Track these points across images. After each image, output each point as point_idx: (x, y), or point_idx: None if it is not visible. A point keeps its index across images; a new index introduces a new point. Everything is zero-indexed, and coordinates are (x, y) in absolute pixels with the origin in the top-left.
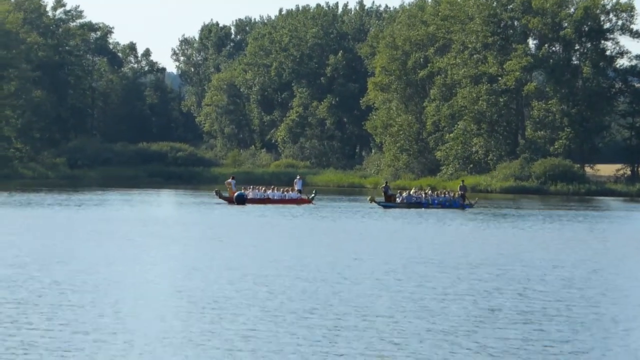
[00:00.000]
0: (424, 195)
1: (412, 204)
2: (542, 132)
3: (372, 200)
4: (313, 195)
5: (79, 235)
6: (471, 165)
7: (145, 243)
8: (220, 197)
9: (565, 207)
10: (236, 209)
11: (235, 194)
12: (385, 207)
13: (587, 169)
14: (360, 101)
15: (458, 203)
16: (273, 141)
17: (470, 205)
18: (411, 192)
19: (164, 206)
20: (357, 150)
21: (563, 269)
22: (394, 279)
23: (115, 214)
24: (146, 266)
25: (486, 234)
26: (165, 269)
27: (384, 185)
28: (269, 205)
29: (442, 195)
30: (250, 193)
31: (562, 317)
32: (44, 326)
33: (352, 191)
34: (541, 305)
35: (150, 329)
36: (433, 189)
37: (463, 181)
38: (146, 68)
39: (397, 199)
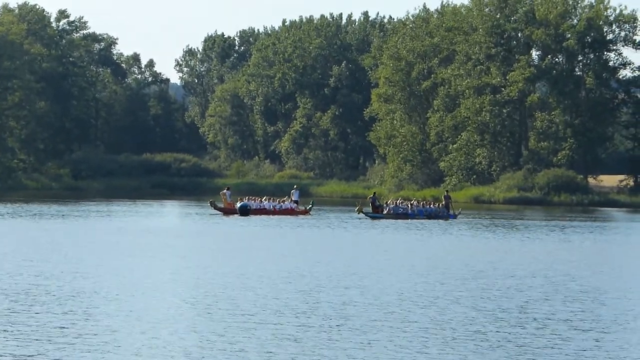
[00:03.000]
0: (409, 206)
1: (399, 214)
2: (545, 143)
3: (359, 211)
4: (310, 206)
5: (83, 247)
6: (474, 176)
7: (153, 255)
8: (215, 207)
9: (571, 218)
10: (237, 220)
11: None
12: (372, 217)
13: (590, 180)
14: (364, 112)
15: (444, 213)
16: (277, 152)
17: (455, 216)
18: (397, 203)
19: (160, 218)
20: (360, 161)
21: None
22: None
23: (121, 226)
24: (152, 277)
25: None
26: (171, 280)
27: (371, 196)
28: (264, 217)
29: (428, 206)
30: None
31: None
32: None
33: (355, 202)
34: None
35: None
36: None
37: (447, 191)
38: (150, 79)
39: (384, 210)
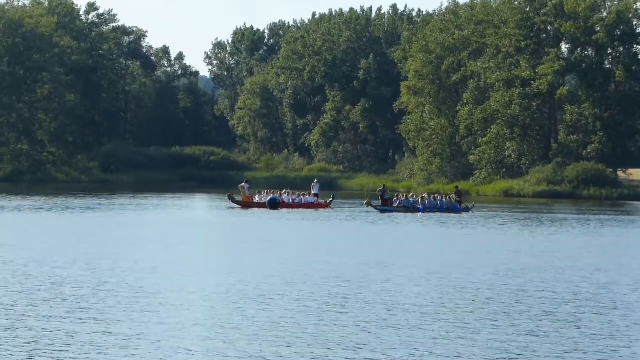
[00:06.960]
0: (420, 199)
1: (409, 208)
2: (574, 137)
3: (368, 204)
4: (331, 199)
5: (115, 239)
6: (504, 170)
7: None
8: (233, 201)
9: (605, 212)
10: (262, 213)
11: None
12: (382, 211)
13: (620, 174)
14: (393, 105)
15: (456, 207)
16: (306, 145)
17: (467, 210)
18: (408, 197)
19: (188, 211)
20: (390, 154)
21: None
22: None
23: (154, 218)
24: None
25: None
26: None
27: (381, 188)
28: (284, 210)
29: (440, 199)
30: (264, 197)
31: None
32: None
33: (364, 195)
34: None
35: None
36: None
37: (457, 187)
38: (179, 72)
39: (394, 204)
